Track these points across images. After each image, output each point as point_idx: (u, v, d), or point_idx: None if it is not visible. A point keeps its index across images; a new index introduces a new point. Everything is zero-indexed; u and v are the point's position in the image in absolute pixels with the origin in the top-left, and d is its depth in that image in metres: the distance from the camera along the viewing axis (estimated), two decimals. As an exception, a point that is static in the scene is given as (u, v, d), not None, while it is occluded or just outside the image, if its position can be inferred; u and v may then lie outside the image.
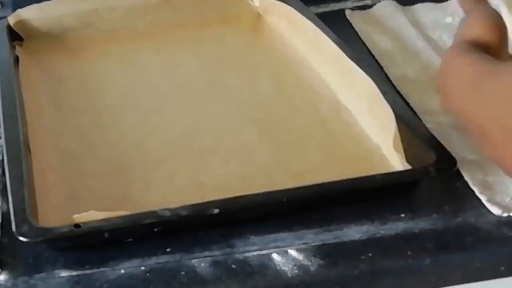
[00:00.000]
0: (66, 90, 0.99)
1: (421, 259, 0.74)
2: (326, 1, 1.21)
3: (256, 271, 0.72)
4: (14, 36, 1.07)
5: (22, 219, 0.73)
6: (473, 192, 0.80)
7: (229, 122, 0.91)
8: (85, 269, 0.73)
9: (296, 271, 0.72)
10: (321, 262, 0.73)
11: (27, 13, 1.09)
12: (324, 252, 0.74)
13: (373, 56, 1.06)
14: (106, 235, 0.73)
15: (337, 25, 1.05)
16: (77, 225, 0.72)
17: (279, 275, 0.72)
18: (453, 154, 0.80)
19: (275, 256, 0.74)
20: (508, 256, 0.75)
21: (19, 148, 0.82)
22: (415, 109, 0.92)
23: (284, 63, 1.03)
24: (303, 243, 0.75)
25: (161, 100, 0.96)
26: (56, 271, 0.73)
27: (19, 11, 1.09)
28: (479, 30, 0.73)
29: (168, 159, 0.86)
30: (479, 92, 0.65)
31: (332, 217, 0.78)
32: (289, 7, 1.09)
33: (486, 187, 0.80)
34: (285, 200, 0.77)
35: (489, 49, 0.71)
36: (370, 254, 0.74)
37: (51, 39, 1.06)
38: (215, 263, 0.73)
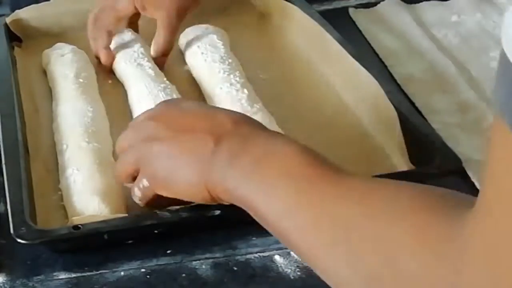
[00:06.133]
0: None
1: (426, 261, 0.73)
2: (329, -1, 1.20)
3: (258, 273, 0.72)
4: (13, 37, 1.06)
5: (20, 220, 0.72)
6: (479, 193, 0.79)
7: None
8: (84, 271, 0.73)
9: (299, 273, 0.72)
10: (324, 264, 0.72)
11: (25, 13, 1.08)
12: (328, 253, 0.73)
13: (377, 55, 1.05)
14: (105, 236, 0.72)
15: (340, 24, 1.04)
16: (76, 227, 0.72)
17: (282, 277, 0.71)
18: (459, 155, 0.79)
19: (277, 257, 0.73)
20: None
21: (17, 148, 0.81)
22: (420, 109, 0.91)
23: (286, 62, 1.02)
24: (306, 245, 0.74)
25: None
26: (54, 273, 0.72)
27: (17, 11, 1.08)
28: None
29: None
30: None
31: (335, 218, 0.77)
32: (291, 5, 1.08)
33: (493, 187, 0.79)
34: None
35: None
36: (374, 256, 0.73)
37: (50, 39, 1.05)
38: (216, 265, 0.73)
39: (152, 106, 0.87)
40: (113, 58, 0.98)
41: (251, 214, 0.64)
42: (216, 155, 0.65)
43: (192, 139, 0.67)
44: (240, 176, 0.63)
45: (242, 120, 0.68)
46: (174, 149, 0.68)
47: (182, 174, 0.67)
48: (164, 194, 0.69)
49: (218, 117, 0.68)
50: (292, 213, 0.59)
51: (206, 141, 0.65)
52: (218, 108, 0.78)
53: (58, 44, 1.03)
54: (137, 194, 0.71)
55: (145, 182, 0.70)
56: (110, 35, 0.99)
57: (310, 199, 0.59)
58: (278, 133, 0.71)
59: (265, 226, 0.63)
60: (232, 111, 0.72)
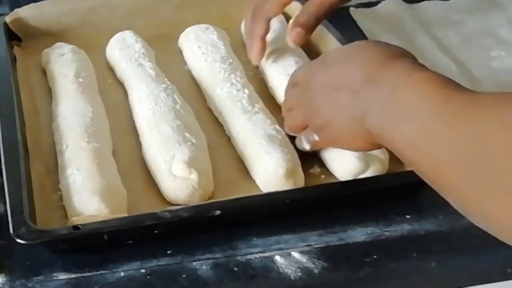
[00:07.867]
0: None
1: (426, 261, 0.73)
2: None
3: (258, 274, 0.72)
4: (12, 36, 1.06)
5: (19, 220, 0.72)
6: None
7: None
8: (84, 271, 0.72)
9: (299, 273, 0.71)
10: (325, 264, 0.72)
11: (25, 12, 1.08)
12: (328, 254, 0.73)
13: (378, 55, 1.04)
14: (105, 237, 0.72)
15: (341, 23, 1.04)
16: (76, 227, 0.72)
17: (282, 277, 0.71)
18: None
19: (278, 258, 0.73)
20: (515, 258, 0.74)
21: (17, 148, 0.81)
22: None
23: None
24: (307, 245, 0.74)
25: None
26: (54, 274, 0.72)
27: (17, 10, 1.08)
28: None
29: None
30: None
31: (336, 219, 0.77)
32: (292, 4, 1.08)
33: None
34: (288, 201, 0.76)
35: None
36: (375, 256, 0.73)
37: (50, 39, 1.05)
38: (216, 266, 0.72)
39: (153, 106, 0.87)
40: (264, 50, 0.96)
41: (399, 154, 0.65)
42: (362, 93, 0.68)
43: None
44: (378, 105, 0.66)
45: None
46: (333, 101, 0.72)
47: (342, 126, 0.71)
48: (331, 146, 0.78)
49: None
50: (428, 135, 0.59)
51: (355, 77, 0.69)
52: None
53: (58, 43, 1.03)
54: (306, 146, 0.78)
55: (315, 137, 0.75)
56: (268, 22, 0.96)
57: (444, 118, 0.59)
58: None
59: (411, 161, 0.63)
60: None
